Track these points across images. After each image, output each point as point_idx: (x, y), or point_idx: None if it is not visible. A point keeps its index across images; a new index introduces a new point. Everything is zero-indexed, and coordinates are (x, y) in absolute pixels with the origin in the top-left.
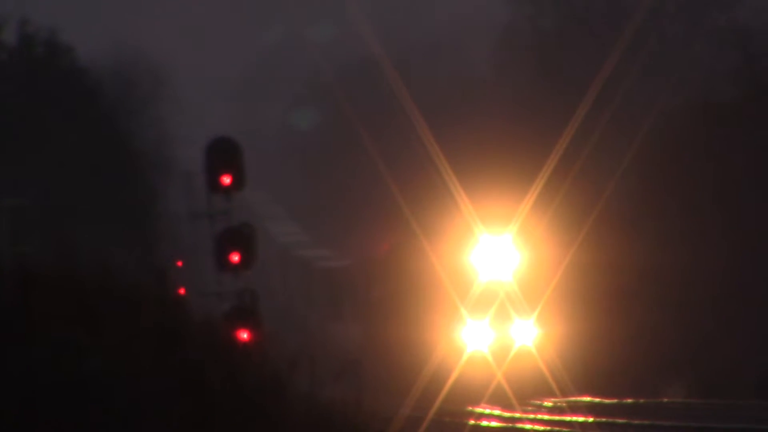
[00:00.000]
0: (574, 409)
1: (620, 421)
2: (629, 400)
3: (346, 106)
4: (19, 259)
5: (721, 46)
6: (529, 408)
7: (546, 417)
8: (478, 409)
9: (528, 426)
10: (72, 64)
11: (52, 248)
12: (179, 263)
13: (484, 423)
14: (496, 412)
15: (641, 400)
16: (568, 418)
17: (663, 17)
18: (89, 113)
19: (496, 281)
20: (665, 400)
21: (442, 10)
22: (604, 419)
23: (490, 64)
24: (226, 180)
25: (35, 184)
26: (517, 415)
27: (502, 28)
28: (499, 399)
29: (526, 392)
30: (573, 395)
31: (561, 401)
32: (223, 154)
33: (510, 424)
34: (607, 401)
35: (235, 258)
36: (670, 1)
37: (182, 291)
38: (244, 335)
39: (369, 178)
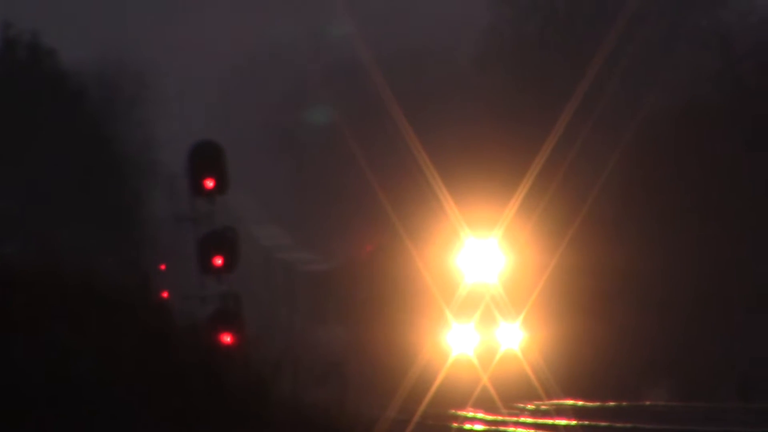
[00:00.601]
0: (557, 412)
1: (603, 423)
2: (611, 403)
3: (330, 108)
4: (3, 260)
5: (704, 47)
6: (511, 411)
7: (529, 420)
8: (461, 413)
9: (511, 429)
10: (55, 67)
11: (35, 250)
12: (162, 266)
13: (467, 426)
14: (479, 415)
15: (623, 403)
16: (550, 421)
17: (646, 18)
18: (73, 116)
19: (482, 284)
20: (647, 403)
21: (424, 13)
22: (586, 422)
23: (475, 66)
24: (209, 183)
25: (19, 185)
26: (500, 418)
27: (483, 32)
28: (483, 402)
29: (510, 395)
30: (555, 398)
31: (542, 404)
32: (206, 157)
33: (493, 427)
34: (589, 404)
35: (218, 261)
36: (652, 3)
37: (165, 294)
38: (227, 338)
39: (352, 181)
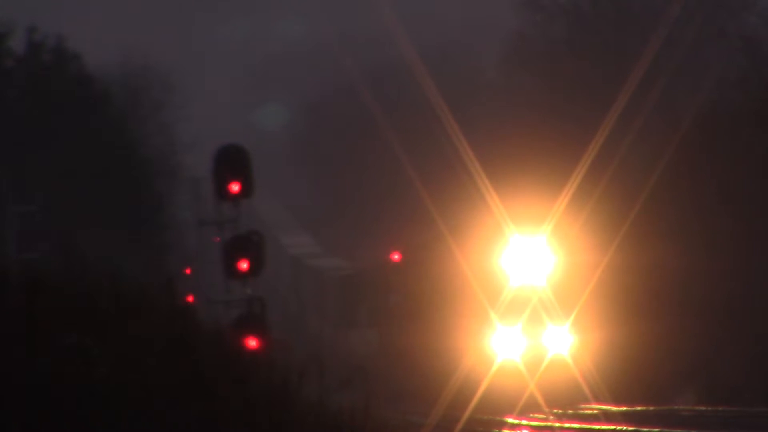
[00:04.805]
0: (585, 417)
1: (630, 428)
2: (639, 407)
3: (367, 105)
4: (26, 264)
5: (730, 51)
6: (538, 416)
7: (556, 424)
8: (487, 417)
9: None
10: (79, 71)
11: (59, 254)
12: (187, 271)
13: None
14: (509, 420)
15: (650, 407)
16: (577, 425)
17: (672, 21)
18: (97, 120)
19: (529, 285)
20: (675, 407)
21: (449, 17)
22: (611, 426)
23: (502, 69)
24: (235, 187)
25: (42, 190)
26: (524, 422)
27: (509, 35)
28: (524, 409)
29: (558, 403)
30: (585, 403)
31: (571, 409)
32: (232, 161)
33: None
34: (614, 408)
35: (244, 266)
36: (679, 6)
37: (190, 299)
38: (252, 343)
39: (388, 179)
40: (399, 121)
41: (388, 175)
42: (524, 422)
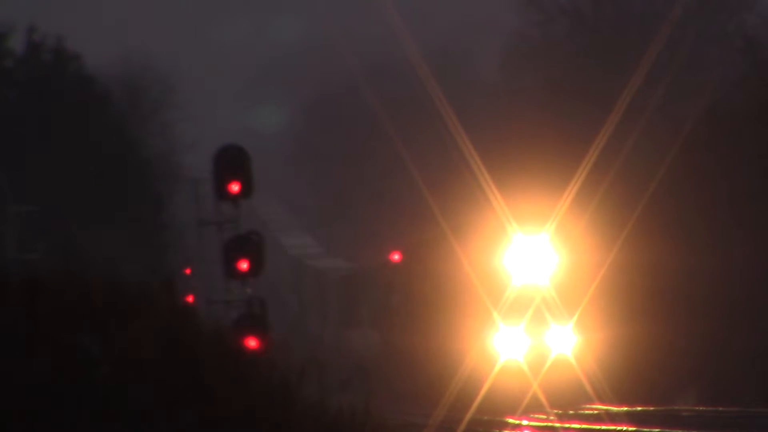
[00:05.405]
0: (586, 417)
1: (631, 429)
2: (642, 407)
3: (368, 104)
4: (26, 265)
5: (730, 51)
6: (539, 417)
7: (557, 424)
8: (486, 417)
9: None
10: (79, 72)
11: (59, 255)
12: (187, 271)
13: None
14: (511, 420)
15: (650, 408)
16: (577, 425)
17: (673, 21)
18: (97, 120)
19: (532, 284)
20: (675, 407)
21: (450, 17)
22: (610, 426)
23: (502, 69)
24: (234, 188)
25: (42, 190)
26: (525, 422)
27: (510, 35)
28: (527, 409)
29: (559, 403)
30: (589, 403)
31: (571, 410)
32: (231, 161)
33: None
34: (614, 408)
35: (244, 266)
36: (679, 6)
37: (190, 299)
38: (252, 343)
39: (388, 178)
40: (400, 120)
41: (388, 174)
42: (526, 422)
